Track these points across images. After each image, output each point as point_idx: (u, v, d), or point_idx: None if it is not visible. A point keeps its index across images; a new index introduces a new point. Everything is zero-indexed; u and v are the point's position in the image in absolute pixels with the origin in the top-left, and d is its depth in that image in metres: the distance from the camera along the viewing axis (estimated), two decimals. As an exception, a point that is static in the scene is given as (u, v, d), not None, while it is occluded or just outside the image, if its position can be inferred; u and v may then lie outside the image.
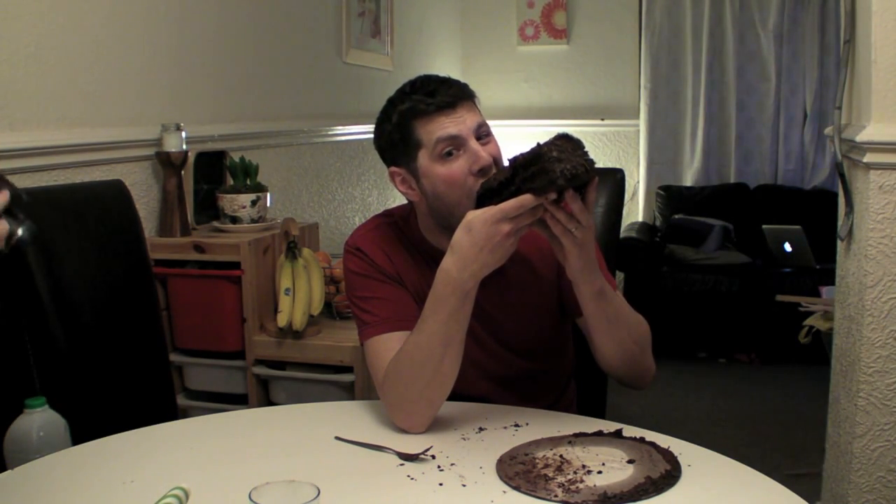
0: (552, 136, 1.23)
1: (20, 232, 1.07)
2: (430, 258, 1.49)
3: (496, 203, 1.24)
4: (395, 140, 1.42)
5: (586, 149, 1.22)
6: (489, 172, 1.36)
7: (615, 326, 1.38)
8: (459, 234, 1.25)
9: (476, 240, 1.23)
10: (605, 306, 1.35)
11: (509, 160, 1.27)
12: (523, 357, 1.53)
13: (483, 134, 1.40)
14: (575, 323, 1.53)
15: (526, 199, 1.21)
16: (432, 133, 1.37)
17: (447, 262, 1.28)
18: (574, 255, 1.27)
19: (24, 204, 1.07)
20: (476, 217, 1.24)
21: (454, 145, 1.37)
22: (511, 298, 1.48)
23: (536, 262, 1.50)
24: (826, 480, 2.16)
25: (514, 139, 5.22)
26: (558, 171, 1.18)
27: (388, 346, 1.40)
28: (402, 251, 1.50)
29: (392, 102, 1.43)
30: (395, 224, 1.53)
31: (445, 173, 1.37)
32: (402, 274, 1.48)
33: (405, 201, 1.54)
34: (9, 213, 1.05)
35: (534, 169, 1.21)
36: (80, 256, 1.84)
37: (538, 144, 1.22)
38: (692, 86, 5.00)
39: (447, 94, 1.37)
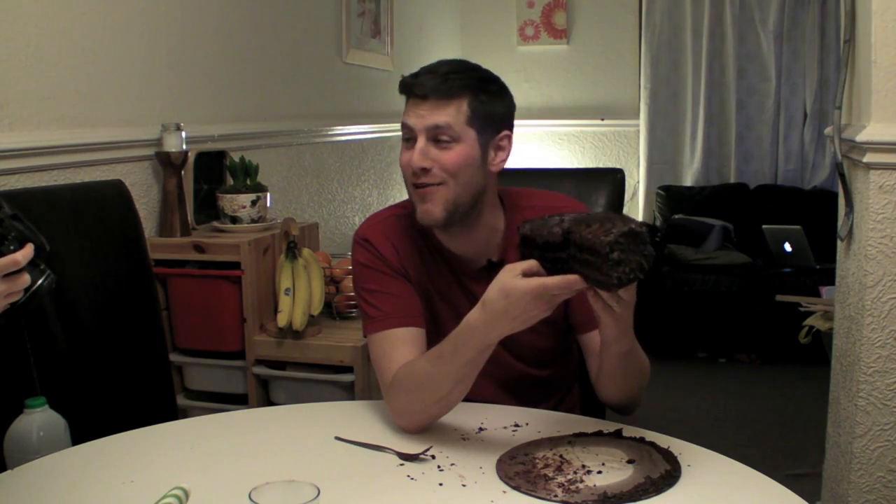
0: (617, 218, 1.13)
1: (40, 282, 1.08)
2: (437, 253, 1.49)
3: (536, 257, 1.18)
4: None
5: (648, 239, 1.13)
6: (417, 175, 1.37)
7: (629, 378, 1.38)
8: (495, 296, 1.18)
9: (511, 308, 1.17)
10: (627, 364, 1.34)
11: (563, 226, 1.16)
12: (528, 364, 1.53)
13: (442, 138, 1.36)
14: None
15: (574, 280, 1.14)
16: (403, 116, 1.40)
17: (475, 319, 1.23)
18: (610, 325, 1.24)
19: (47, 254, 1.08)
20: (516, 287, 1.16)
21: (410, 135, 1.39)
22: None
23: None
24: (826, 480, 2.16)
25: (515, 139, 5.23)
26: (615, 277, 1.10)
27: (392, 343, 1.40)
28: (409, 244, 1.49)
29: None
30: (405, 217, 1.52)
31: (400, 156, 1.41)
32: (408, 268, 1.48)
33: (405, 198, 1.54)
34: (31, 263, 1.06)
35: (589, 258, 1.12)
36: (80, 256, 1.84)
37: (600, 240, 1.10)
38: (692, 86, 5.00)
39: (423, 85, 1.36)
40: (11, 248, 1.04)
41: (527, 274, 1.17)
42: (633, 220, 1.13)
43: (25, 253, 1.04)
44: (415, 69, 1.44)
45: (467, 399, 1.40)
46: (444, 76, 1.37)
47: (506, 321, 1.19)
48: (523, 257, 1.22)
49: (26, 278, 1.05)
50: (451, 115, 1.36)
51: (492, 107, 1.41)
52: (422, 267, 1.49)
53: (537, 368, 1.54)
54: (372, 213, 1.59)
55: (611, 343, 1.29)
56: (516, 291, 1.16)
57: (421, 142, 1.36)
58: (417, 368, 1.33)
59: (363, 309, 1.47)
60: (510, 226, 1.45)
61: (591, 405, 1.67)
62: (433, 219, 1.39)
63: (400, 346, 1.39)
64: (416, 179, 1.38)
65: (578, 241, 1.13)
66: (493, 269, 1.44)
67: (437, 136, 1.36)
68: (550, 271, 1.17)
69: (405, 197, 1.52)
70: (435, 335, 1.43)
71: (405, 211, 1.53)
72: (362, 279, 1.49)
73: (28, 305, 1.09)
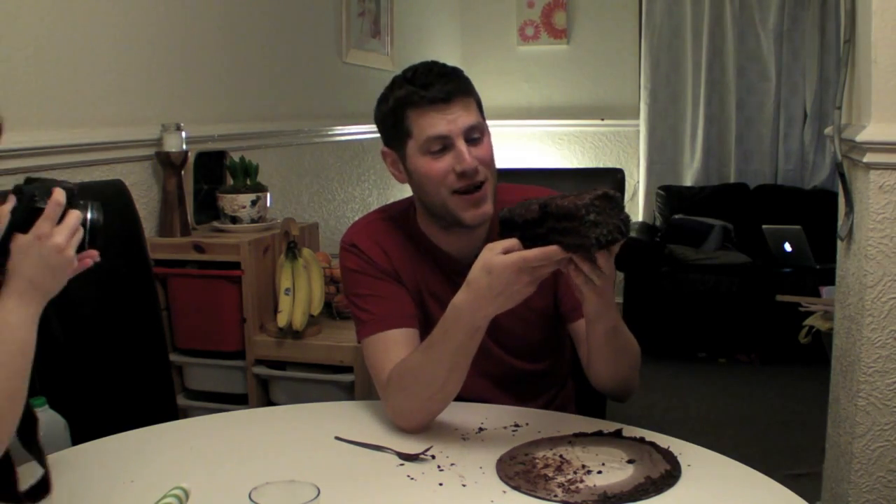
0: (591, 190, 1.15)
1: (91, 214, 1.12)
2: (428, 253, 1.49)
3: (516, 237, 1.20)
4: (389, 124, 1.43)
5: (624, 205, 1.16)
6: (472, 176, 1.36)
7: (618, 358, 1.38)
8: (478, 274, 1.21)
9: (494, 284, 1.19)
10: (613, 342, 1.34)
11: (539, 202, 1.19)
12: (519, 358, 1.53)
13: (475, 136, 1.38)
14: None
15: (553, 251, 1.16)
16: (423, 128, 1.37)
17: (460, 300, 1.24)
18: (592, 300, 1.25)
19: (77, 192, 1.11)
20: (497, 262, 1.18)
21: (442, 144, 1.37)
22: None
23: None
24: (826, 480, 2.16)
25: (515, 139, 5.26)
26: (593, 237, 1.12)
27: (386, 345, 1.40)
28: (399, 247, 1.49)
29: (392, 85, 1.42)
30: (391, 219, 1.52)
31: (428, 168, 1.38)
32: (400, 270, 1.48)
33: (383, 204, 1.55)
34: (69, 205, 1.09)
35: (567, 225, 1.14)
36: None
37: (575, 204, 1.13)
38: (692, 86, 5.00)
39: (441, 90, 1.35)
40: (43, 203, 1.06)
41: (508, 251, 1.18)
42: (607, 188, 1.16)
43: (59, 193, 1.07)
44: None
45: (466, 398, 1.41)
46: (457, 76, 1.39)
47: (490, 298, 1.20)
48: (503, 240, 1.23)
49: (77, 213, 1.09)
50: (475, 111, 1.40)
51: (480, 99, 1.44)
52: (413, 268, 1.49)
53: (531, 362, 1.55)
54: (356, 220, 1.60)
55: (595, 320, 1.30)
56: (497, 267, 1.18)
57: (462, 144, 1.36)
58: (409, 362, 1.34)
59: (355, 314, 1.48)
60: (493, 220, 1.45)
61: (586, 400, 1.68)
62: (488, 217, 1.40)
63: (394, 347, 1.39)
64: (469, 181, 1.37)
65: (555, 211, 1.16)
66: None
67: (469, 136, 1.37)
68: (530, 249, 1.19)
69: (405, 196, 1.52)
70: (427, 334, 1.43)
71: (388, 214, 1.54)
72: (352, 285, 1.49)
73: (95, 240, 1.13)
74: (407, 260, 1.49)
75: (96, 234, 1.13)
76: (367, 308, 1.45)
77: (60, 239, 1.06)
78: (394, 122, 1.41)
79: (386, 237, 1.50)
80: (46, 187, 1.08)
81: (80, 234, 1.10)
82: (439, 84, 1.36)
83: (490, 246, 1.21)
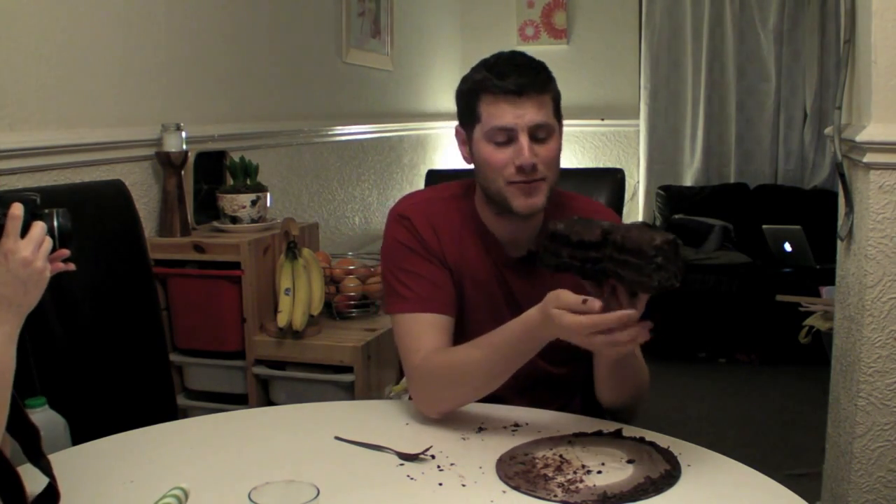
0: (659, 231, 1.16)
1: (56, 222, 1.12)
2: (479, 237, 1.50)
3: (566, 254, 1.21)
4: (463, 104, 1.46)
5: (682, 256, 1.17)
6: (529, 172, 1.38)
7: (621, 385, 1.40)
8: (550, 324, 1.22)
9: (549, 324, 1.22)
10: (619, 372, 1.36)
11: (602, 227, 1.19)
12: (545, 359, 1.52)
13: (541, 134, 1.39)
14: None
15: (631, 315, 1.17)
16: (491, 116, 1.39)
17: (535, 319, 1.25)
18: (608, 357, 1.27)
19: (40, 202, 1.11)
20: (566, 324, 1.19)
21: (506, 136, 1.39)
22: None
23: None
24: (826, 480, 2.16)
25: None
26: (656, 280, 1.13)
27: (421, 327, 1.42)
28: (450, 229, 1.50)
29: (476, 67, 1.45)
30: (447, 199, 1.54)
31: (489, 156, 1.40)
32: (446, 253, 1.49)
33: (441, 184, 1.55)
34: (34, 215, 1.08)
35: (629, 259, 1.15)
36: (80, 256, 1.83)
37: (648, 243, 1.13)
38: (692, 86, 5.00)
39: (515, 82, 1.37)
40: (5, 219, 1.06)
41: (583, 312, 1.19)
42: (674, 235, 1.16)
43: (16, 207, 1.06)
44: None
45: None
46: (535, 71, 1.41)
47: (554, 333, 1.23)
48: (546, 251, 1.25)
49: (41, 224, 1.08)
50: (547, 110, 1.41)
51: (559, 97, 1.46)
52: (460, 250, 1.50)
53: (554, 365, 1.54)
54: (410, 193, 1.62)
55: (601, 357, 1.32)
56: (562, 327, 1.20)
57: (525, 139, 1.38)
58: (456, 356, 1.36)
59: (393, 286, 1.48)
60: (547, 219, 1.47)
61: (589, 403, 1.67)
62: (538, 209, 1.42)
63: (430, 330, 1.41)
64: (526, 177, 1.39)
65: (619, 242, 1.16)
66: (530, 259, 1.47)
67: (535, 133, 1.39)
68: (578, 269, 1.20)
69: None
70: (459, 318, 1.46)
71: (447, 193, 1.55)
72: (397, 257, 1.49)
73: (67, 244, 1.13)
74: (456, 242, 1.50)
75: (67, 241, 1.13)
76: (409, 285, 1.46)
77: (27, 252, 1.05)
78: (467, 103, 1.44)
79: (440, 218, 1.51)
80: (5, 202, 1.07)
81: (48, 244, 1.08)
82: (514, 76, 1.38)
83: (567, 298, 1.20)
